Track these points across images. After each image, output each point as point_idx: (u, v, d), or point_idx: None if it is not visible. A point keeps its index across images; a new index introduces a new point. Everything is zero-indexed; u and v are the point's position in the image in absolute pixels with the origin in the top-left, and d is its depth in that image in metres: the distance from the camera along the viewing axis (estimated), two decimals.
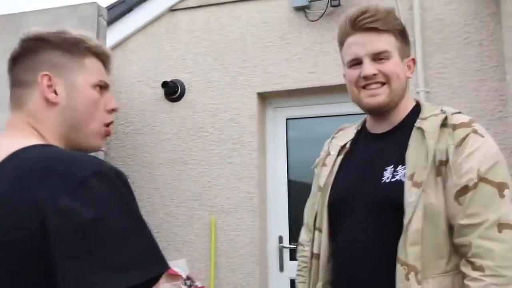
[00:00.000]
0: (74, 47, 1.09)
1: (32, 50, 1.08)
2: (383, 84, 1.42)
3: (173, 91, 3.88)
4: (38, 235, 0.82)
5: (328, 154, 1.63)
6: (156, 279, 0.91)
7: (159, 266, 0.91)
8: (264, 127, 3.84)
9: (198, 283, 3.56)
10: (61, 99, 1.06)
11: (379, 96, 1.42)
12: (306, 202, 1.78)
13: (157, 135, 3.95)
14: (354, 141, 1.59)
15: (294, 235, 3.52)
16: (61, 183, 0.84)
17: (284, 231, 3.71)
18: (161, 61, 4.02)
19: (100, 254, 0.82)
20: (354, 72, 1.45)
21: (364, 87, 1.44)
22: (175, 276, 3.53)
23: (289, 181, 3.77)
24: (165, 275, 3.55)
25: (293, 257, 3.61)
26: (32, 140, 1.00)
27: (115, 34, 4.03)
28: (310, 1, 3.57)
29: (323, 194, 1.56)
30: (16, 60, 1.10)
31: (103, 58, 1.16)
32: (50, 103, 1.05)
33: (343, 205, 1.51)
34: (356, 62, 1.45)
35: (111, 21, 3.92)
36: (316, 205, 1.59)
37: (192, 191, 3.79)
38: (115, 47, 4.09)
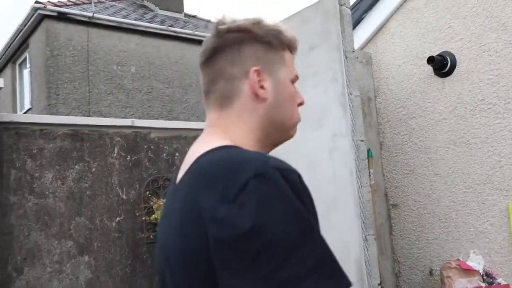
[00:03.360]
0: (275, 39, 1.02)
1: (238, 42, 1.01)
2: None
3: (442, 65, 3.48)
4: (203, 243, 0.79)
5: None
6: None
7: (336, 281, 0.76)
8: None
9: (500, 280, 3.05)
10: (268, 95, 1.00)
11: None
12: None
13: (432, 116, 3.61)
14: None
15: None
16: (223, 190, 0.79)
17: None
18: (425, 36, 3.66)
19: (262, 269, 0.73)
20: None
21: None
22: (470, 271, 3.12)
23: None
24: (459, 269, 3.18)
25: None
26: (218, 142, 0.95)
27: (372, 21, 3.91)
28: None
29: None
30: (218, 52, 1.03)
31: (294, 50, 1.07)
32: (259, 99, 0.99)
33: None
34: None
35: (368, 9, 3.83)
36: None
37: (480, 174, 3.29)
38: (375, 34, 3.96)
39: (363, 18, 4.04)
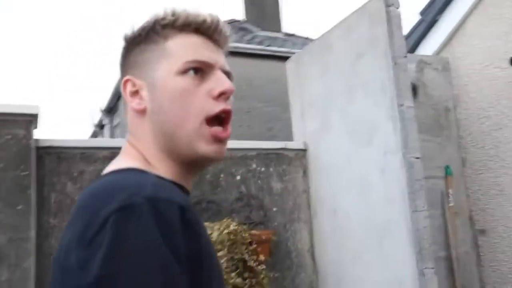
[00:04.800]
0: (152, 33, 0.83)
1: (122, 58, 0.89)
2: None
3: None
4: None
5: None
6: None
7: None
8: None
9: None
10: (146, 103, 0.82)
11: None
12: None
13: None
14: None
15: None
16: (83, 229, 0.66)
17: None
18: (509, 33, 3.14)
19: None
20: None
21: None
22: None
23: None
24: None
25: None
26: (123, 163, 0.81)
27: (447, 23, 3.49)
28: None
29: None
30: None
31: (200, 28, 0.84)
32: (137, 111, 0.83)
33: None
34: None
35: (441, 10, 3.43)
36: None
37: None
38: (451, 37, 3.52)
39: (437, 20, 3.61)
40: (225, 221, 2.73)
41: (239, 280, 2.51)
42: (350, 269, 2.80)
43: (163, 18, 0.83)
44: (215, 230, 2.62)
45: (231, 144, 3.27)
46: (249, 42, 12.37)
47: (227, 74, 0.84)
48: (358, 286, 2.74)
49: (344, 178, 2.84)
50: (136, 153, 0.83)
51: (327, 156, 3.03)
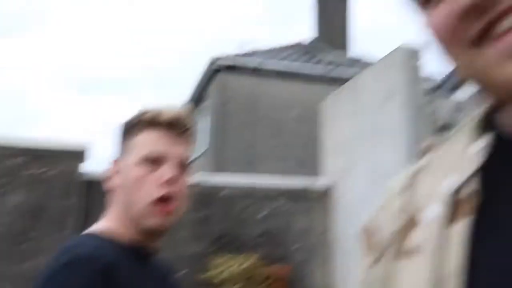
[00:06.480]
0: (132, 127, 1.09)
1: (119, 140, 1.15)
2: None
3: None
4: None
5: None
6: None
7: None
8: None
9: None
10: (121, 182, 1.06)
11: None
12: None
13: None
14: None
15: None
16: (46, 273, 0.93)
17: None
18: None
19: None
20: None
21: None
22: None
23: None
24: None
25: None
26: (93, 227, 1.07)
27: None
28: None
29: None
30: None
31: (163, 126, 1.07)
32: (115, 187, 1.08)
33: None
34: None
35: None
36: None
37: None
38: None
39: None
40: (243, 256, 2.88)
41: None
42: None
43: (136, 117, 1.08)
44: (233, 265, 2.77)
45: (257, 180, 3.42)
46: (313, 66, 12.51)
47: (183, 159, 1.07)
48: None
49: (362, 219, 2.89)
50: (113, 218, 1.06)
51: (348, 197, 3.10)
